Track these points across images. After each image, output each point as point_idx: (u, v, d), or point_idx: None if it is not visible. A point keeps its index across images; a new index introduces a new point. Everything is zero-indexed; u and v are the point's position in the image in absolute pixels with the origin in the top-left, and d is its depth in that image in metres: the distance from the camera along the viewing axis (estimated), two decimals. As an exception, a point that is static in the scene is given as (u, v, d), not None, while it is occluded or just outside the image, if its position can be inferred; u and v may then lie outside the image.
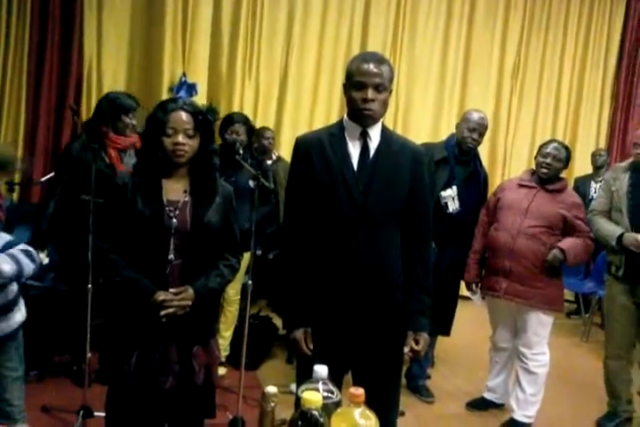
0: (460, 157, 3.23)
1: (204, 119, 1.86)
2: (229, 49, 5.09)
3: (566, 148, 3.08)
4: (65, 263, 3.14)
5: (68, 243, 3.03)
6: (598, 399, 3.33)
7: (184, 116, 1.83)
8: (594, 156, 5.53)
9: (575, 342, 4.80)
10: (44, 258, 3.09)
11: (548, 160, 2.99)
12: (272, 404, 1.25)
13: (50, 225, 3.08)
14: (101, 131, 3.04)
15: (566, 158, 3.03)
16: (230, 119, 3.46)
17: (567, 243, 2.92)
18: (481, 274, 3.17)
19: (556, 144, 3.06)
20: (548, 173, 3.00)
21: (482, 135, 3.23)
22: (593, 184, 5.39)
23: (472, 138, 3.19)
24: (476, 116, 3.23)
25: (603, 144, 6.22)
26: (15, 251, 2.02)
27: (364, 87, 1.86)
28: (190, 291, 1.87)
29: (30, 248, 2.06)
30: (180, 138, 1.82)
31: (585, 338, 4.86)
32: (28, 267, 2.01)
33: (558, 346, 4.12)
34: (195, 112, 1.85)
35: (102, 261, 1.93)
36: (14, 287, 2.11)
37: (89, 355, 2.68)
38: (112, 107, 3.08)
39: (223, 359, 3.36)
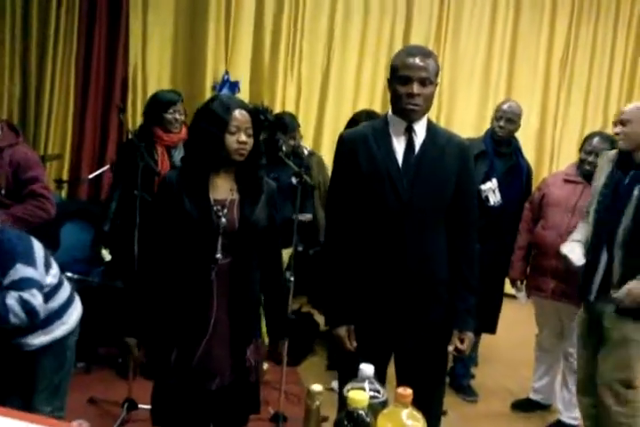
0: (498, 148, 3.17)
1: (260, 119, 1.86)
2: (271, 46, 5.10)
3: (612, 141, 2.92)
4: (117, 260, 3.20)
5: (122, 241, 3.09)
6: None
7: (246, 114, 1.82)
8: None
9: None
10: (106, 255, 3.18)
11: (591, 158, 2.89)
12: (317, 402, 1.24)
13: (112, 225, 3.14)
14: (152, 131, 3.09)
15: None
16: (292, 123, 3.50)
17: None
18: (526, 271, 3.10)
19: (598, 138, 2.94)
20: (591, 170, 2.89)
21: (511, 122, 3.15)
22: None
23: (499, 126, 3.15)
24: (503, 104, 3.22)
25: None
26: (12, 299, 1.88)
27: (409, 81, 1.84)
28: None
29: (29, 298, 1.89)
30: (244, 137, 1.81)
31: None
32: (15, 318, 1.88)
33: None
34: (254, 111, 1.85)
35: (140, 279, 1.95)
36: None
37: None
38: (153, 104, 3.12)
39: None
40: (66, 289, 2.11)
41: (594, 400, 2.52)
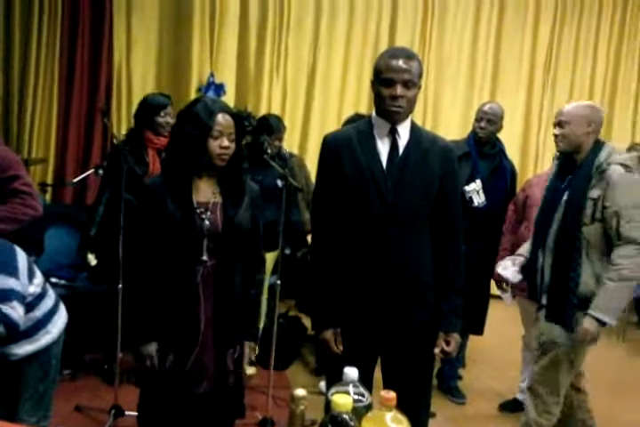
0: (481, 149, 3.20)
1: (242, 124, 1.86)
2: (257, 48, 5.10)
3: None
4: (102, 264, 3.17)
5: (109, 245, 3.06)
6: (634, 399, 3.24)
7: (229, 119, 1.82)
8: (629, 151, 5.37)
9: (611, 342, 4.67)
10: (92, 260, 3.14)
11: None
12: (301, 407, 1.24)
13: (98, 230, 3.12)
14: (143, 134, 3.08)
15: None
16: (277, 125, 3.48)
17: None
18: (511, 272, 3.11)
19: None
20: None
21: (491, 123, 3.17)
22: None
23: (480, 127, 3.18)
24: (483, 106, 3.26)
25: (638, 138, 6.05)
26: None
27: (392, 84, 1.84)
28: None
29: (8, 312, 1.83)
30: (226, 142, 1.80)
31: (621, 338, 4.74)
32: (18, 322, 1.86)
33: (594, 346, 4.03)
34: (237, 116, 1.85)
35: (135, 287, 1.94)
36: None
37: (120, 355, 2.71)
38: (144, 108, 3.11)
39: (253, 359, 3.37)
40: (50, 298, 2.07)
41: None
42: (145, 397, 1.93)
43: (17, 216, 2.37)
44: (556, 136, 2.43)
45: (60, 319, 2.09)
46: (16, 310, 1.85)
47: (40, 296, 2.01)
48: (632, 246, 2.22)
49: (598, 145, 2.36)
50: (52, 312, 2.05)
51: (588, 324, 2.26)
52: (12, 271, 1.90)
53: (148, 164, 3.05)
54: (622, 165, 2.28)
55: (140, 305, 1.89)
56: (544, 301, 2.44)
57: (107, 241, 3.06)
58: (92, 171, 3.58)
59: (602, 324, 2.26)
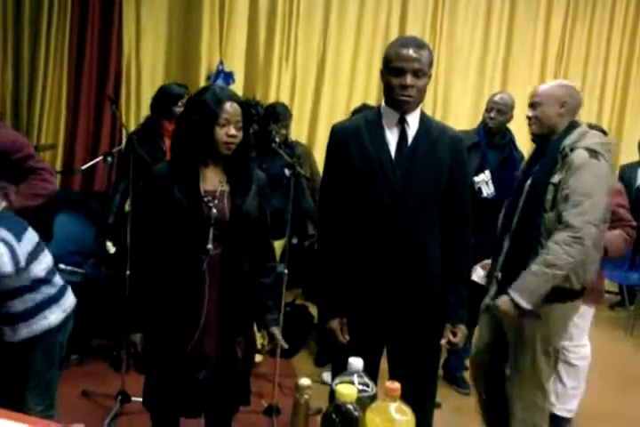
0: (491, 140, 3.18)
1: (250, 112, 1.85)
2: (266, 36, 5.07)
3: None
4: (121, 252, 3.19)
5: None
6: (642, 394, 3.24)
7: (236, 107, 1.80)
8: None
9: (619, 336, 4.65)
10: (111, 248, 3.18)
11: None
12: (306, 396, 1.24)
13: (116, 218, 3.14)
14: (160, 123, 3.10)
15: None
16: (283, 112, 3.47)
17: (606, 238, 2.81)
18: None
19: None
20: None
21: (501, 113, 3.16)
22: (640, 172, 5.21)
23: (490, 117, 3.17)
24: (494, 96, 3.24)
25: (651, 129, 5.99)
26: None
27: (402, 73, 1.82)
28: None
29: (16, 249, 1.88)
30: (233, 130, 1.79)
31: (629, 332, 4.71)
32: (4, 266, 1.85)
33: (601, 339, 4.01)
34: (245, 104, 1.84)
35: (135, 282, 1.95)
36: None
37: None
38: (161, 97, 3.14)
39: (259, 347, 3.38)
40: (54, 286, 2.07)
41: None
42: (149, 382, 1.94)
43: (38, 191, 2.42)
44: (529, 118, 2.34)
45: (60, 309, 2.08)
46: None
47: (44, 281, 2.02)
48: (568, 233, 2.08)
49: (571, 127, 2.24)
50: (52, 299, 2.05)
51: (501, 301, 2.17)
52: (16, 233, 1.92)
53: (165, 152, 3.07)
54: (588, 149, 2.14)
55: (136, 293, 1.91)
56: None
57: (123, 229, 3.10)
58: (100, 158, 3.59)
59: (516, 305, 2.14)
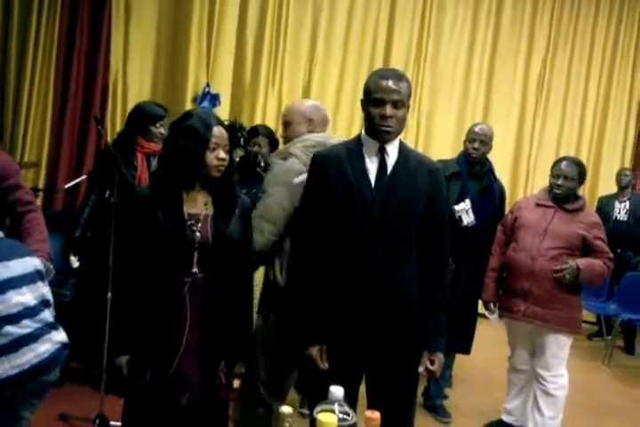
0: (472, 169, 3.23)
1: (235, 135, 1.87)
2: (253, 60, 5.14)
3: (579, 164, 3.02)
4: (88, 270, 3.16)
5: (94, 249, 3.06)
6: (619, 424, 3.25)
7: (223, 131, 1.84)
8: (619, 175, 5.43)
9: (596, 366, 4.68)
10: (74, 262, 3.09)
11: (559, 181, 2.96)
12: (287, 424, 1.23)
13: (82, 232, 3.11)
14: (133, 140, 3.10)
15: (579, 175, 2.97)
16: (255, 131, 3.47)
17: (584, 261, 2.87)
18: (498, 293, 3.13)
19: (566, 162, 3.01)
20: (561, 194, 2.96)
21: (484, 144, 3.22)
22: (617, 204, 5.30)
23: (473, 148, 3.22)
24: (474, 127, 3.30)
25: (628, 163, 6.13)
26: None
27: (382, 104, 1.86)
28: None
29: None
30: (223, 153, 1.82)
31: (607, 361, 4.74)
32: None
33: (579, 369, 4.06)
34: (231, 128, 1.87)
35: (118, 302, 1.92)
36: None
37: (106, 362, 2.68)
38: (140, 116, 3.13)
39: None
40: (4, 336, 1.85)
41: None
42: (128, 407, 1.91)
43: (43, 226, 2.36)
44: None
45: (11, 363, 1.85)
46: None
47: (23, 315, 1.88)
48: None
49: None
50: (19, 342, 1.87)
51: None
52: None
53: (136, 167, 3.07)
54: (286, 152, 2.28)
55: (119, 316, 1.89)
56: None
57: (91, 244, 3.07)
58: (84, 177, 3.57)
59: None
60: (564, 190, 2.95)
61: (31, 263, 1.96)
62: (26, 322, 1.91)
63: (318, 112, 2.37)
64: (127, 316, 1.86)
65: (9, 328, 1.86)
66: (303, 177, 2.10)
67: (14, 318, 1.88)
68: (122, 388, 1.94)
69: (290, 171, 2.18)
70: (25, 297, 1.91)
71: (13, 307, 1.88)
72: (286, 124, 2.37)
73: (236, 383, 3.25)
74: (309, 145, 2.23)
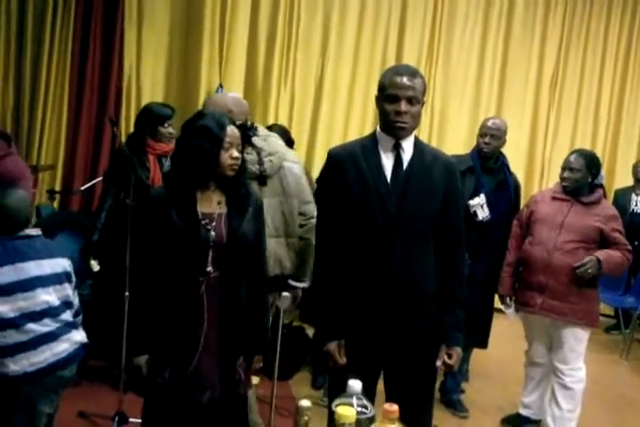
0: (485, 164, 3.22)
1: (247, 135, 1.90)
2: (265, 60, 5.15)
3: (587, 156, 2.99)
4: (106, 271, 3.20)
5: (112, 251, 3.09)
6: (638, 417, 3.23)
7: (236, 130, 1.87)
8: (635, 167, 5.39)
9: (614, 359, 4.66)
10: (95, 266, 3.14)
11: (566, 174, 2.96)
12: (305, 417, 1.26)
13: (100, 236, 3.15)
14: (143, 141, 3.13)
15: (588, 166, 2.94)
16: (269, 130, 3.49)
17: (604, 253, 2.86)
18: (515, 287, 3.13)
19: (574, 155, 3.00)
20: (568, 186, 2.96)
21: (496, 138, 3.21)
22: (634, 197, 5.27)
23: (484, 142, 3.21)
24: (487, 121, 3.30)
25: (644, 156, 6.08)
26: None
27: (397, 100, 1.87)
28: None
29: None
30: (236, 152, 1.85)
31: (624, 355, 4.72)
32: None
33: (597, 362, 4.04)
34: (242, 127, 1.89)
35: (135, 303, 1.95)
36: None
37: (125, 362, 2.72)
38: (148, 117, 3.17)
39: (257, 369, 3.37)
40: (25, 333, 1.91)
41: None
42: (148, 405, 1.94)
43: None
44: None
45: (29, 360, 1.92)
46: None
47: (9, 324, 1.91)
48: None
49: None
50: (16, 347, 1.92)
51: None
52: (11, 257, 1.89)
53: (149, 169, 3.10)
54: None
55: (137, 316, 1.91)
56: None
57: (108, 246, 3.11)
58: (100, 179, 3.62)
59: None
60: (571, 182, 2.95)
61: (61, 264, 2.02)
62: (47, 321, 1.97)
63: (239, 104, 2.44)
64: (145, 316, 1.88)
65: (31, 325, 1.91)
66: None
67: (37, 316, 1.94)
68: (141, 387, 1.97)
69: None
70: (51, 297, 1.97)
71: (39, 305, 1.95)
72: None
73: (255, 380, 3.30)
74: None
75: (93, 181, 4.18)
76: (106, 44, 4.67)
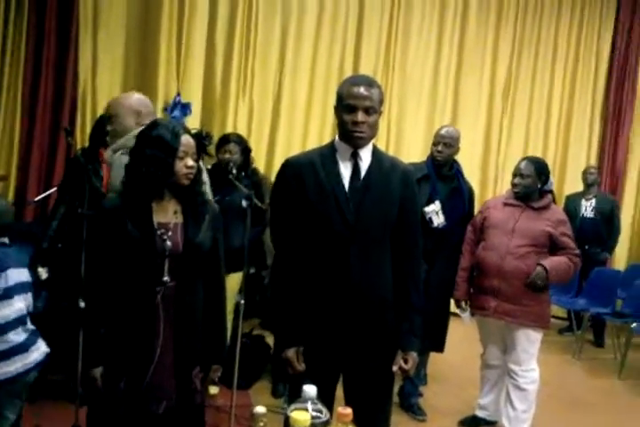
0: (440, 171, 3.30)
1: (202, 144, 1.91)
2: (223, 68, 5.16)
3: (536, 162, 3.10)
4: (58, 281, 3.15)
5: (64, 260, 3.05)
6: (591, 416, 3.33)
7: (191, 140, 1.87)
8: (585, 173, 5.57)
9: (567, 360, 4.80)
10: (43, 273, 3.09)
11: (516, 180, 3.06)
12: (261, 424, 1.27)
13: (50, 243, 3.10)
14: (98, 150, 3.10)
15: (538, 173, 3.04)
16: (225, 139, 3.50)
17: (550, 261, 2.95)
18: (470, 291, 3.20)
19: (525, 162, 3.11)
20: (518, 192, 3.06)
21: (448, 146, 3.28)
22: (584, 202, 5.44)
23: (437, 151, 3.29)
24: (440, 130, 3.38)
25: (593, 161, 6.30)
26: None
27: (354, 110, 1.90)
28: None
29: None
30: (191, 161, 1.85)
31: (577, 355, 4.87)
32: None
33: (550, 363, 4.15)
34: (197, 137, 1.90)
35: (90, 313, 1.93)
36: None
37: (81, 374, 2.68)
38: (99, 129, 3.13)
39: (215, 379, 3.35)
40: (7, 343, 1.95)
41: None
42: (94, 416, 1.91)
43: None
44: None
45: (18, 364, 1.97)
46: None
47: (20, 322, 1.95)
48: None
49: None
50: (14, 351, 1.96)
51: None
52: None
53: (103, 178, 3.08)
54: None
55: (93, 327, 1.89)
56: None
57: (62, 256, 3.05)
58: (54, 189, 3.56)
59: None
60: (521, 188, 3.05)
61: (26, 273, 2.00)
62: (20, 329, 1.97)
63: (145, 104, 2.41)
64: (100, 327, 1.86)
65: (10, 335, 1.96)
66: None
67: (15, 324, 1.99)
68: (97, 399, 1.95)
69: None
70: (22, 304, 1.98)
71: (16, 312, 1.99)
72: (112, 119, 2.38)
73: (213, 390, 3.29)
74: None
75: (47, 192, 4.10)
76: (60, 53, 4.60)
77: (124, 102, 2.38)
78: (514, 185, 3.08)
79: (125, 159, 2.09)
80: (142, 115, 2.34)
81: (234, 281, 3.13)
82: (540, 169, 3.06)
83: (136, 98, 2.44)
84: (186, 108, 4.93)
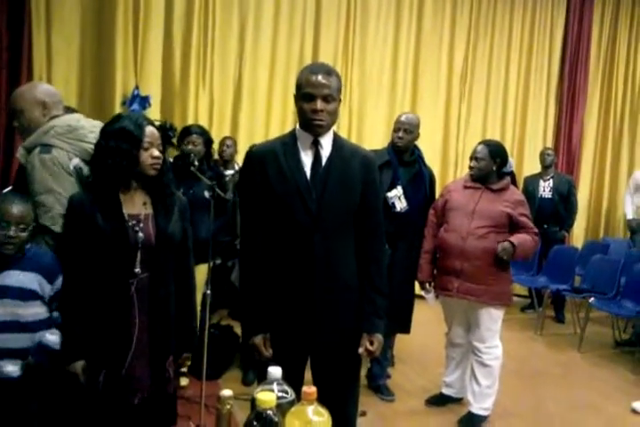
0: (401, 157, 3.36)
1: (167, 135, 1.92)
2: (182, 60, 5.13)
3: (491, 145, 3.18)
4: None
5: None
6: (553, 389, 3.44)
7: (155, 131, 1.89)
8: (542, 155, 5.72)
9: (530, 336, 4.97)
10: None
11: (472, 163, 3.16)
12: (228, 406, 1.30)
13: None
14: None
15: (492, 155, 3.11)
16: (187, 130, 3.49)
17: (516, 238, 3.04)
18: (433, 273, 3.28)
19: (480, 145, 3.19)
20: (474, 174, 3.15)
21: (408, 132, 3.34)
22: (542, 183, 5.60)
23: (398, 137, 3.35)
24: (400, 117, 3.43)
25: (550, 143, 6.46)
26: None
27: (313, 98, 1.92)
28: None
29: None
30: (157, 152, 1.87)
31: (539, 331, 5.03)
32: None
33: (513, 340, 4.30)
34: (162, 128, 1.91)
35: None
36: None
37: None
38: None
39: (185, 370, 3.37)
40: None
41: None
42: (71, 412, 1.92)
43: None
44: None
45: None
46: None
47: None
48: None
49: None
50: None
51: None
52: None
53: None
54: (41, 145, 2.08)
55: (69, 320, 1.90)
56: None
57: None
58: (9, 188, 3.49)
59: None
60: (476, 171, 3.13)
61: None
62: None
63: (50, 94, 2.23)
64: (75, 324, 1.87)
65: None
66: (76, 161, 2.07)
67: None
68: (78, 392, 1.95)
69: (63, 161, 2.07)
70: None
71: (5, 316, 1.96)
72: (17, 113, 2.21)
73: (183, 381, 3.31)
74: (62, 132, 2.11)
75: (4, 191, 4.01)
76: (12, 50, 4.49)
77: (26, 95, 2.19)
78: (470, 168, 3.16)
79: (48, 157, 2.03)
80: (48, 105, 2.16)
81: (201, 272, 3.15)
82: (494, 152, 3.13)
83: (39, 88, 2.23)
84: (145, 102, 4.88)
